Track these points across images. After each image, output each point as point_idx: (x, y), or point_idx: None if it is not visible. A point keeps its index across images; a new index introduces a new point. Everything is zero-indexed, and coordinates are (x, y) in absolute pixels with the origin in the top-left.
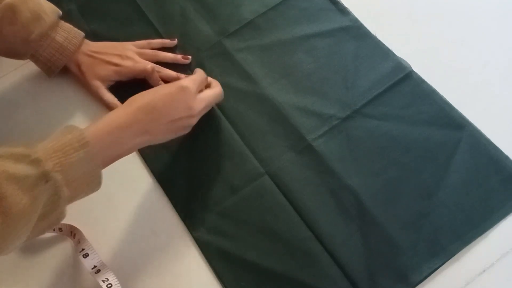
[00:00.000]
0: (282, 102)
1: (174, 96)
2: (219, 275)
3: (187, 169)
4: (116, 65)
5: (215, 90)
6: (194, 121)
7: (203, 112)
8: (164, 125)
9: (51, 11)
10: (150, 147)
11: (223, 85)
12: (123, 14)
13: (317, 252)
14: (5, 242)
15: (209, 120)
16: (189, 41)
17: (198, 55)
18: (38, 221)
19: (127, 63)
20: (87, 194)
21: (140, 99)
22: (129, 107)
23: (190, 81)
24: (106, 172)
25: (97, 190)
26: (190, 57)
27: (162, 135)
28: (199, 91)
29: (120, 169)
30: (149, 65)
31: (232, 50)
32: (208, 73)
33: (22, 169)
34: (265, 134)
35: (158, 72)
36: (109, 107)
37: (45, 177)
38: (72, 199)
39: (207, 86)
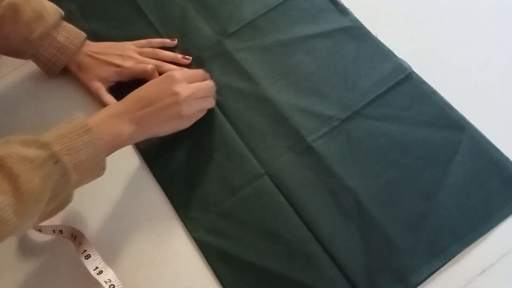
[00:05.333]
0: (282, 103)
1: (159, 84)
2: (219, 275)
3: (187, 170)
4: (117, 66)
5: (205, 82)
6: (184, 110)
7: (194, 105)
8: (154, 114)
9: (54, 11)
10: (150, 148)
11: (223, 85)
12: (123, 14)
13: (316, 253)
14: (20, 220)
15: (209, 121)
16: (189, 41)
17: (198, 55)
18: (48, 202)
19: (127, 63)
20: (92, 178)
21: (133, 92)
22: (123, 100)
23: (177, 70)
24: (106, 173)
25: (101, 175)
26: (190, 57)
27: (155, 126)
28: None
29: (120, 170)
30: (149, 66)
31: (232, 50)
32: (208, 73)
33: (32, 152)
34: (265, 135)
35: (160, 67)
36: None
37: (54, 158)
38: (78, 183)
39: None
